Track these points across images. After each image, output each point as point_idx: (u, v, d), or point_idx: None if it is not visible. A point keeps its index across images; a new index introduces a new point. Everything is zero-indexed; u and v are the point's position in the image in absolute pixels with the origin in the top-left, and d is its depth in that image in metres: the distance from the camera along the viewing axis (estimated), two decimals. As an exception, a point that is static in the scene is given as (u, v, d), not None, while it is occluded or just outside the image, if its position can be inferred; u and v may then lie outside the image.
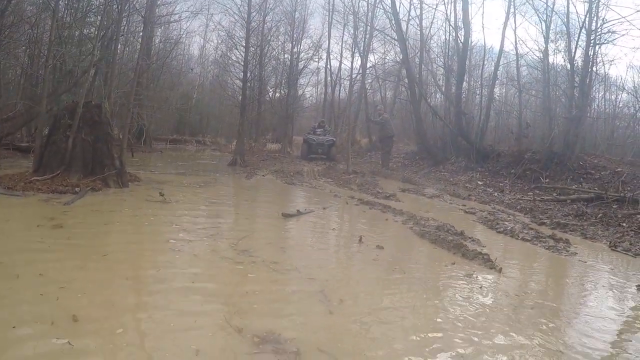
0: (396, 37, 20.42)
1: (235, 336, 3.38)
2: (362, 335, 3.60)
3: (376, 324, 3.84)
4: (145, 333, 3.40)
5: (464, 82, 20.50)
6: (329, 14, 27.96)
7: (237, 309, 3.87)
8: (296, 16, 27.64)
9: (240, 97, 19.13)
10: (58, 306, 3.65)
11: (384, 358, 3.28)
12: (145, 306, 3.92)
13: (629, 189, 11.40)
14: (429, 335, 3.71)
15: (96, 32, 14.41)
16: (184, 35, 26.77)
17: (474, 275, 5.43)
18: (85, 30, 16.61)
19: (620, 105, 22.71)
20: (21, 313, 3.49)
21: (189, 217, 7.64)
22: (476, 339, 3.69)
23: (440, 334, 3.74)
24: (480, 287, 5.04)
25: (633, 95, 21.32)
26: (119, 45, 16.34)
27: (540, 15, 18.37)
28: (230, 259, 5.35)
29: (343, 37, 28.41)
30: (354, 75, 24.52)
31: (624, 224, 8.87)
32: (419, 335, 3.70)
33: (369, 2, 20.46)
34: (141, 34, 15.97)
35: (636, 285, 5.45)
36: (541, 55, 18.30)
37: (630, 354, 3.70)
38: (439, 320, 4.04)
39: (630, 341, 4.02)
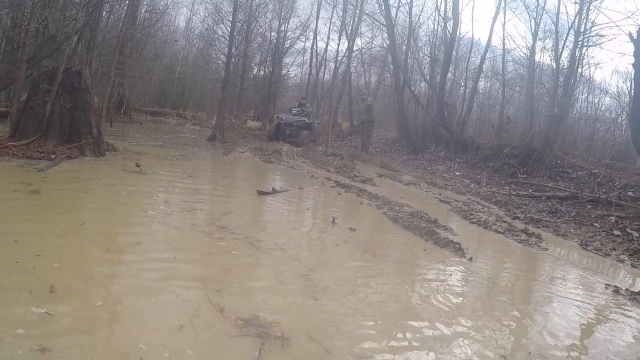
0: (384, 23, 20.37)
1: (218, 315, 3.35)
2: (348, 323, 3.57)
3: (359, 311, 3.83)
4: (125, 306, 3.33)
5: (449, 73, 20.58)
6: (318, -6, 27.74)
7: (219, 287, 3.84)
8: (285, -6, 27.41)
9: (224, 73, 18.95)
10: (34, 275, 3.56)
11: (371, 348, 3.25)
12: (125, 279, 3.84)
13: (603, 190, 11.59)
14: (406, 321, 3.75)
15: (82, -3, 14.18)
16: (170, 6, 26.43)
17: (445, 263, 5.52)
18: (70, -5, 16.29)
19: (602, 109, 22.99)
20: None
21: (167, 189, 7.67)
22: (448, 325, 3.77)
23: (416, 320, 3.79)
24: (451, 275, 5.13)
25: (616, 99, 21.56)
26: (104, 12, 16.10)
27: (530, 12, 18.57)
28: (211, 234, 5.33)
29: (331, 18, 28.21)
30: (339, 58, 24.46)
31: (596, 224, 9.02)
32: (397, 321, 3.73)
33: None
34: (127, 1, 15.74)
35: (605, 284, 5.56)
36: (528, 52, 18.50)
37: (579, 349, 3.81)
38: (414, 306, 4.09)
39: (585, 337, 4.14)
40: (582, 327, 4.30)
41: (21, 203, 5.49)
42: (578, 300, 5.00)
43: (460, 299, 4.45)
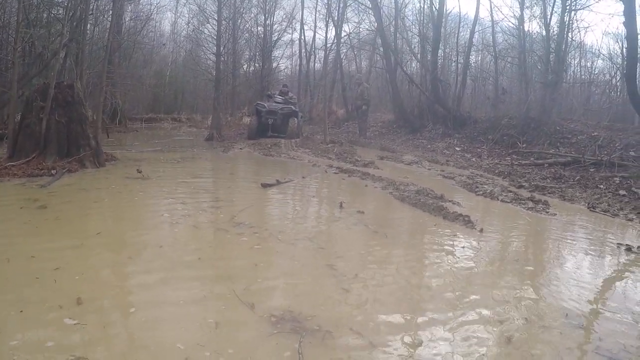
0: (370, 5, 20.29)
1: (249, 312, 3.31)
2: (384, 311, 3.49)
3: (392, 296, 3.77)
4: (158, 310, 3.31)
5: (440, 50, 20.50)
6: (301, -17, 27.61)
7: (247, 283, 3.80)
8: (268, -13, 27.31)
9: (215, 72, 18.91)
10: (57, 289, 3.53)
11: (412, 334, 3.15)
12: (152, 283, 3.79)
13: (605, 152, 11.57)
14: (441, 300, 3.70)
15: (65, 13, 14.11)
16: (154, 11, 26.28)
17: (457, 236, 5.55)
18: (53, 11, 16.23)
19: (595, 72, 22.87)
20: (23, 297, 3.38)
21: (174, 191, 7.65)
22: (481, 296, 3.81)
23: (451, 298, 3.75)
24: (464, 248, 5.16)
25: (609, 60, 21.46)
26: (89, 25, 16.03)
27: (515, -20, 18.39)
28: (228, 230, 5.34)
29: (316, 7, 28.10)
30: (328, 46, 24.39)
31: (602, 186, 9.03)
32: (432, 302, 3.68)
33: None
34: (111, 11, 15.69)
35: (617, 243, 5.57)
36: (516, 21, 18.40)
37: (608, 304, 3.80)
38: (443, 284, 4.05)
39: (609, 293, 4.17)
40: (601, 285, 4.34)
41: (31, 219, 5.47)
42: (592, 261, 5.07)
43: (480, 269, 4.50)
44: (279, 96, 18.19)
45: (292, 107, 17.40)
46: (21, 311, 3.17)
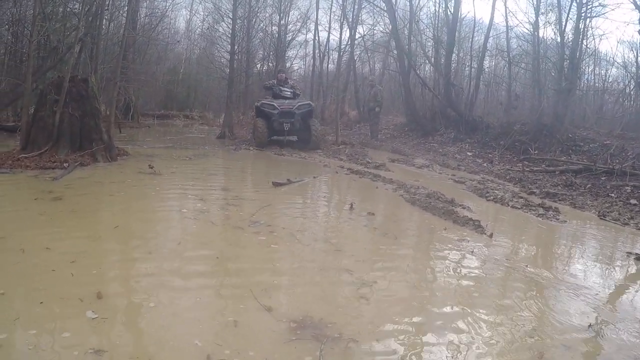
0: (385, 8, 20.28)
1: (266, 315, 3.28)
2: (406, 319, 3.45)
3: (409, 308, 3.68)
4: (177, 307, 3.32)
5: (454, 54, 20.44)
6: (317, -16, 27.60)
7: (265, 285, 3.76)
8: (284, -13, 27.34)
9: (228, 70, 18.96)
10: (75, 282, 3.54)
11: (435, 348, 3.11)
12: (169, 281, 3.79)
13: (617, 161, 11.52)
14: (463, 308, 3.66)
15: (81, 7, 14.22)
16: (169, 9, 26.39)
17: (467, 240, 5.54)
18: (69, 6, 16.36)
19: (609, 80, 22.71)
20: (39, 289, 3.40)
21: (188, 188, 7.73)
22: (496, 303, 3.80)
23: (472, 305, 3.72)
24: (473, 252, 5.15)
25: (623, 68, 21.31)
26: (104, 20, 16.15)
27: (530, -14, 18.32)
28: (244, 229, 5.36)
29: (331, 8, 28.06)
30: (342, 47, 24.39)
31: (613, 195, 9.00)
32: (452, 309, 3.64)
33: (358, -28, 20.21)
34: (126, 7, 15.78)
35: (627, 252, 5.54)
36: (531, 27, 18.31)
37: (617, 316, 3.78)
38: (463, 291, 4.05)
39: (618, 305, 4.13)
40: (611, 294, 4.32)
41: (46, 210, 5.53)
42: (601, 269, 5.05)
43: (491, 275, 4.49)
44: (283, 87, 14.86)
45: (310, 102, 14.80)
46: (41, 302, 3.20)
